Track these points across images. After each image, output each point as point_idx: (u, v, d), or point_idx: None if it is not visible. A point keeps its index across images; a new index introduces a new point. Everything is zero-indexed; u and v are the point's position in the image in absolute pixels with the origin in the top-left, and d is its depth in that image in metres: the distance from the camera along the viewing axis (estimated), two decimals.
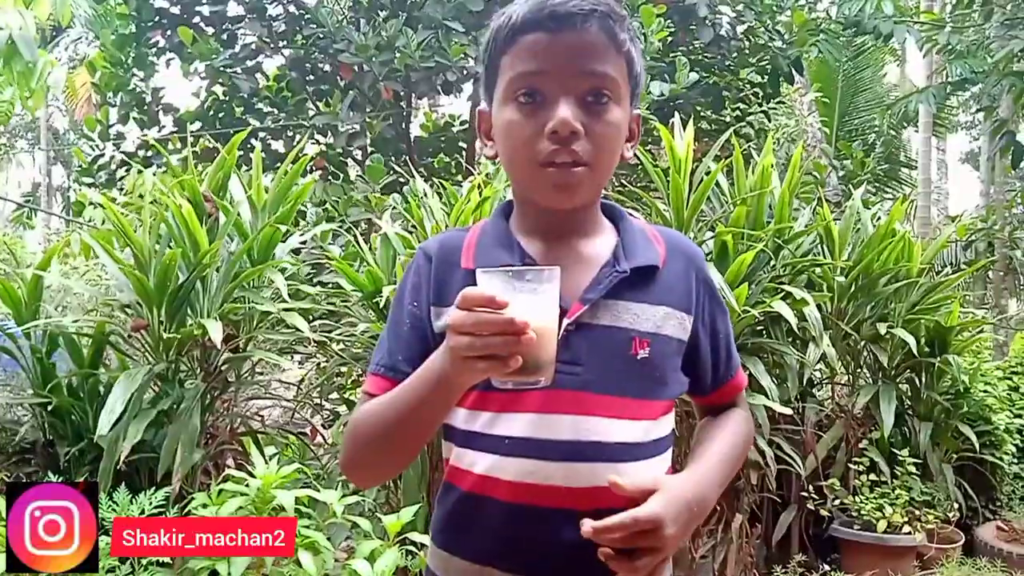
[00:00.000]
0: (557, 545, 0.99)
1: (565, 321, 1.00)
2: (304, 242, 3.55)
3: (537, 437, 0.99)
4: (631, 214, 1.15)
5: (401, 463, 1.08)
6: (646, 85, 4.67)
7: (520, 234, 1.08)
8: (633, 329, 1.02)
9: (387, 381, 1.04)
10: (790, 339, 3.41)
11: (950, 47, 7.04)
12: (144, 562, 2.17)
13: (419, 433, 0.99)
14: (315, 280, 3.60)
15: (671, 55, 5.30)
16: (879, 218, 4.09)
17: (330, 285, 3.35)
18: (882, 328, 3.61)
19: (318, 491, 2.36)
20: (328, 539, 2.29)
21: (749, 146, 5.28)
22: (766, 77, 6.12)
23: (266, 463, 2.33)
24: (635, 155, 1.10)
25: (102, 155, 6.14)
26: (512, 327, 0.81)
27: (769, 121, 5.67)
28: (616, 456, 1.00)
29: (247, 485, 2.27)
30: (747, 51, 6.09)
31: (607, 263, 1.05)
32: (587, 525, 0.88)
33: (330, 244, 3.85)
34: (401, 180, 4.62)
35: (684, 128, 3.31)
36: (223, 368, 2.90)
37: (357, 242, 3.22)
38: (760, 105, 5.65)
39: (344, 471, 1.08)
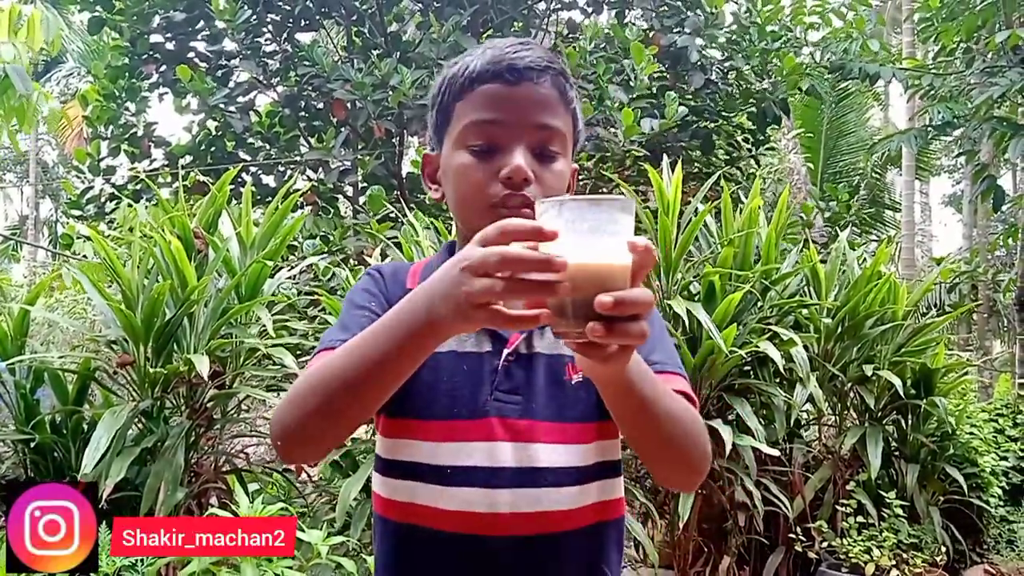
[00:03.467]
0: (503, 572, 1.00)
1: (505, 351, 1.03)
2: (293, 277, 3.55)
3: (481, 465, 1.00)
4: None
5: (349, 426, 0.95)
6: (636, 119, 4.74)
7: None
8: (567, 355, 1.04)
9: None
10: (777, 380, 3.42)
11: (932, 91, 7.18)
12: None
13: (385, 384, 0.88)
14: (311, 313, 3.60)
15: (661, 93, 5.38)
16: (864, 260, 4.13)
17: (318, 320, 3.34)
18: (868, 370, 3.62)
19: (303, 531, 2.34)
20: None
21: (737, 188, 5.35)
22: (754, 123, 6.21)
23: (250, 502, 2.30)
24: None
25: (91, 188, 6.14)
26: (550, 267, 0.70)
27: (758, 165, 5.75)
28: (560, 481, 1.01)
29: None
30: (736, 95, 6.19)
31: None
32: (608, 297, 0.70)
33: (331, 274, 3.84)
34: (392, 216, 4.65)
35: (673, 170, 3.36)
36: (209, 405, 2.88)
37: (348, 279, 3.22)
38: (749, 151, 5.74)
39: (279, 438, 0.96)
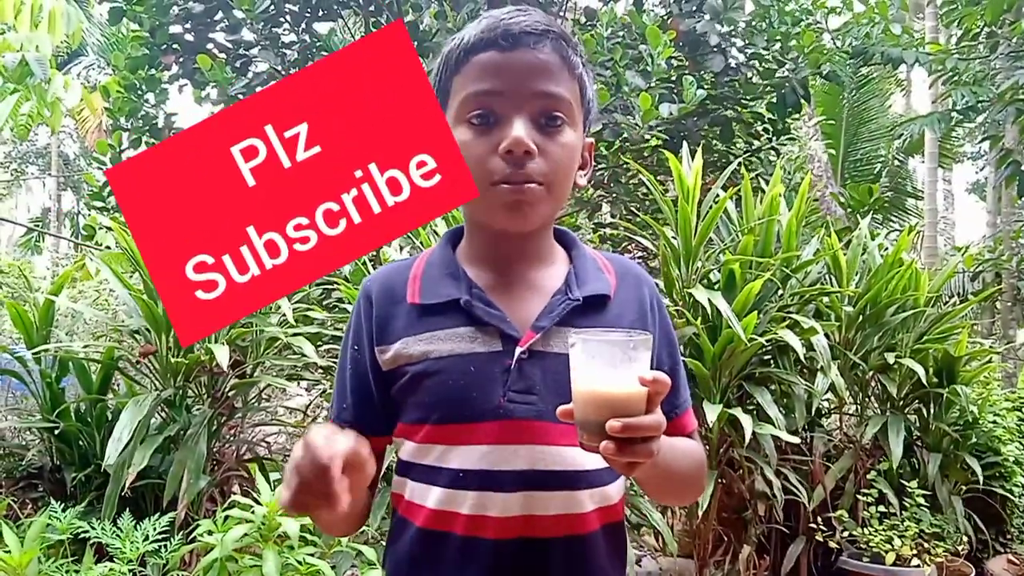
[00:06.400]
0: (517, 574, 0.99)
1: (518, 350, 0.99)
2: None
3: (493, 468, 0.97)
4: (588, 241, 1.15)
5: (343, 529, 1.19)
6: (655, 103, 4.69)
7: (467, 263, 1.06)
8: None
9: None
10: (798, 369, 3.40)
11: (956, 76, 7.08)
12: None
13: (331, 527, 1.14)
14: (325, 302, 3.61)
15: (680, 79, 5.32)
16: (886, 248, 4.09)
17: (336, 309, 3.35)
18: (890, 358, 3.59)
19: None
20: (332, 568, 2.28)
21: (757, 176, 5.30)
22: (774, 111, 6.13)
23: (272, 490, 2.32)
24: (589, 183, 1.09)
25: None
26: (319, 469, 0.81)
27: (778, 154, 5.70)
28: (573, 483, 0.99)
29: (253, 512, 2.26)
30: (756, 82, 6.12)
31: (559, 291, 1.04)
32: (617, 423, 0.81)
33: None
34: None
35: (693, 157, 3.33)
36: (230, 394, 2.91)
37: (364, 264, 3.23)
38: (770, 140, 5.67)
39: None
